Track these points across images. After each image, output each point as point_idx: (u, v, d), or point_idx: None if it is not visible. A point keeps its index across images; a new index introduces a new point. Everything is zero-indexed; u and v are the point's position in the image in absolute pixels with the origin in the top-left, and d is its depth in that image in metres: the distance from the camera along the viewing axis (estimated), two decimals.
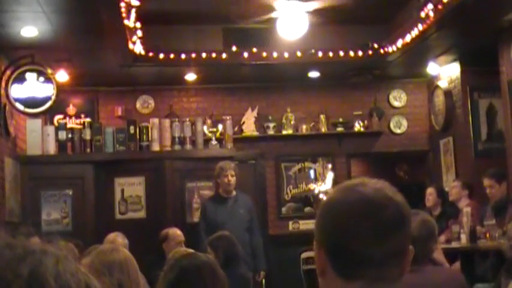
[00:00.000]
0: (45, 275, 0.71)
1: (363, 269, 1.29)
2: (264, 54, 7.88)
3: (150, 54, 7.56)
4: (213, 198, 6.42)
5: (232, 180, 6.22)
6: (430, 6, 6.50)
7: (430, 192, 7.11)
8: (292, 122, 9.03)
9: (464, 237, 6.01)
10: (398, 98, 9.34)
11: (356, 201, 1.31)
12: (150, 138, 6.75)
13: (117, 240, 4.99)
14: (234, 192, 6.31)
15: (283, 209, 9.11)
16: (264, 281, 6.99)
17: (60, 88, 6.72)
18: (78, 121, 8.28)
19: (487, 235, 5.90)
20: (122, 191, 6.78)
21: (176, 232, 5.77)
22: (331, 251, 1.32)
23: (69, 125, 7.43)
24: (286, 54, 7.88)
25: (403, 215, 1.32)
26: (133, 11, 6.52)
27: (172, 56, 7.71)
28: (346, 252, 1.30)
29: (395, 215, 1.30)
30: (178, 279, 2.38)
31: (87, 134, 6.72)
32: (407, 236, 1.34)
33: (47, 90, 6.56)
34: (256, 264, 6.18)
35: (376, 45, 8.03)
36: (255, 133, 8.96)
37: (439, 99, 8.63)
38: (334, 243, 1.32)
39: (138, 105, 8.89)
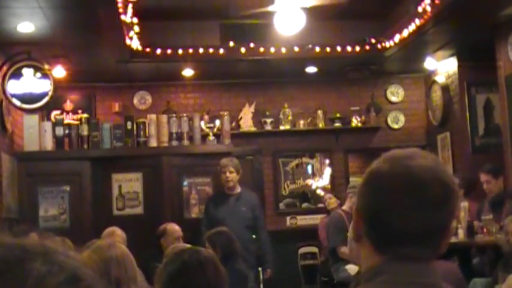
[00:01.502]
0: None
1: (398, 244, 1.27)
2: (261, 49, 7.87)
3: (147, 50, 7.55)
4: (216, 195, 6.43)
5: (231, 177, 6.19)
6: (427, 1, 6.49)
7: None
8: (289, 118, 9.03)
9: (461, 232, 6.02)
10: (395, 93, 9.35)
11: (401, 176, 1.28)
12: (147, 134, 6.74)
13: (116, 232, 5.00)
14: (238, 190, 6.28)
15: (281, 205, 9.12)
16: (261, 276, 7.00)
17: (57, 84, 6.70)
18: (75, 117, 8.26)
19: (484, 230, 5.91)
20: (120, 187, 6.78)
21: (174, 227, 5.77)
22: (369, 221, 1.31)
23: (66, 121, 7.41)
24: (283, 50, 7.87)
25: (448, 195, 1.28)
26: (130, 6, 6.51)
27: (169, 51, 7.69)
28: (384, 226, 1.28)
29: (440, 194, 1.27)
30: (179, 272, 2.37)
31: (85, 130, 6.70)
32: (450, 215, 1.31)
33: (43, 86, 6.55)
34: (263, 263, 6.18)
35: (373, 41, 8.02)
36: (253, 129, 8.96)
37: (437, 95, 8.63)
38: (373, 214, 1.30)
39: (135, 101, 8.88)
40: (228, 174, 6.18)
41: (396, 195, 1.27)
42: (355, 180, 7.90)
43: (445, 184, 1.28)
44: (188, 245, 3.71)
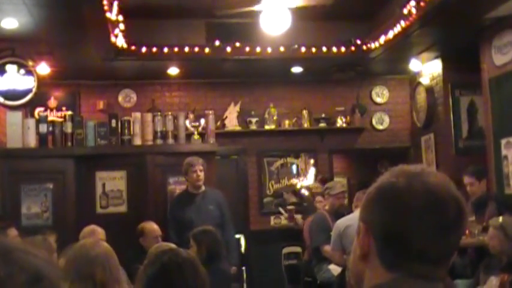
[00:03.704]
0: None
1: (416, 264, 1.22)
2: (247, 49, 7.87)
3: (133, 48, 7.52)
4: (180, 196, 6.32)
5: (201, 175, 6.13)
6: (412, 3, 6.52)
7: None
8: (274, 118, 9.04)
9: None
10: (380, 95, 9.39)
11: (421, 193, 1.22)
12: (131, 133, 6.70)
13: (97, 231, 4.97)
14: (202, 188, 6.21)
15: (265, 204, 9.12)
16: (245, 275, 7.00)
17: (41, 81, 6.66)
18: (59, 114, 8.21)
19: (467, 232, 5.94)
20: (103, 185, 6.73)
21: (152, 226, 5.70)
22: (383, 239, 1.24)
23: (50, 118, 7.35)
24: (269, 50, 7.87)
25: (462, 213, 1.26)
26: (115, 4, 6.48)
27: (154, 50, 7.67)
28: (401, 245, 1.22)
29: (457, 213, 1.24)
30: (158, 275, 2.37)
31: (68, 128, 6.64)
32: (463, 234, 1.29)
33: (27, 83, 6.50)
34: (229, 259, 6.09)
35: (358, 42, 8.05)
36: (238, 128, 8.96)
37: (421, 96, 8.68)
38: (389, 232, 1.24)
39: (120, 99, 8.85)
40: (198, 172, 6.11)
41: (417, 213, 1.22)
42: (336, 181, 7.91)
43: (459, 202, 1.25)
44: (172, 245, 3.70)
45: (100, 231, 4.99)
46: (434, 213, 1.22)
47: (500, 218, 4.94)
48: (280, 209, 7.87)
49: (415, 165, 1.31)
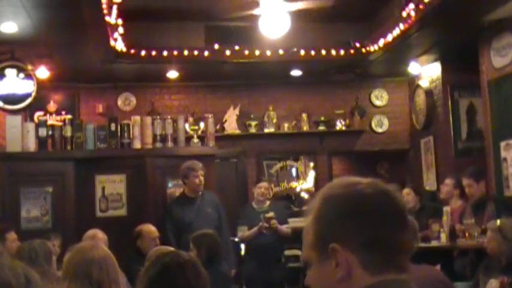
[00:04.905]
0: None
1: (398, 257, 1.31)
2: (246, 52, 7.88)
3: (132, 51, 7.53)
4: (178, 199, 6.31)
5: (203, 180, 6.13)
6: (411, 5, 6.53)
7: (408, 193, 7.05)
8: (274, 120, 9.04)
9: (444, 236, 6.05)
10: (379, 97, 9.39)
11: (380, 195, 1.32)
12: (131, 136, 6.70)
13: (98, 235, 4.96)
14: (200, 191, 6.21)
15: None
16: (243, 277, 6.98)
17: (40, 84, 6.67)
18: (58, 118, 8.22)
19: (466, 234, 5.94)
20: (103, 188, 6.73)
21: (150, 228, 5.69)
22: (365, 246, 1.28)
23: (49, 122, 7.34)
24: (268, 52, 7.88)
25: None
26: (114, 7, 6.49)
27: (154, 53, 7.68)
28: (384, 243, 1.29)
29: (405, 205, 1.38)
30: (160, 275, 2.37)
31: (68, 131, 6.64)
32: None
33: (27, 87, 6.50)
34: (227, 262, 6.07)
35: (358, 44, 8.06)
36: (237, 131, 8.96)
37: (420, 98, 8.68)
38: (369, 237, 1.28)
39: (119, 102, 8.85)
40: (200, 177, 6.11)
41: (386, 214, 1.31)
42: None
43: (402, 198, 1.45)
44: (171, 248, 3.70)
45: (101, 237, 4.96)
46: (397, 211, 1.33)
47: (498, 221, 4.93)
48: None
49: (345, 177, 1.39)
